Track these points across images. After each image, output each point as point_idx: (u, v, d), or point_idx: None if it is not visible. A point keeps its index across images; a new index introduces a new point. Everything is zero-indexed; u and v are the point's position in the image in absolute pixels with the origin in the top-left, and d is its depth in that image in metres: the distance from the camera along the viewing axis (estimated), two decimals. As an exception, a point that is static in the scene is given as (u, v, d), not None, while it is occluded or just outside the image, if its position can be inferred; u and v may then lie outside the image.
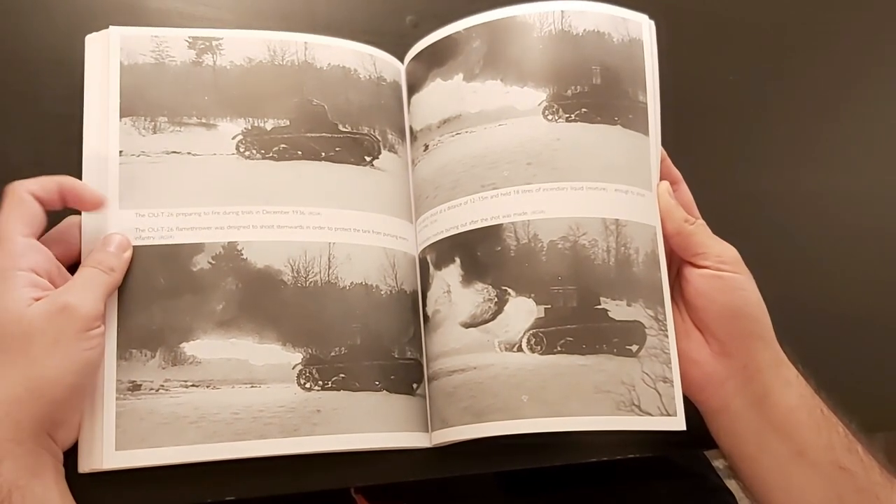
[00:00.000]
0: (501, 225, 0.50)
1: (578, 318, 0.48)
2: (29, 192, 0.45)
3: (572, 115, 0.50)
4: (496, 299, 0.49)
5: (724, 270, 0.48)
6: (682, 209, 0.50)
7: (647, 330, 0.49)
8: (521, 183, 0.50)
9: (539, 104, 0.51)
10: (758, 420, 0.48)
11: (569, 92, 0.51)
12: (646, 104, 0.52)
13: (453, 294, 0.51)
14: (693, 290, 0.49)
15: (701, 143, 0.62)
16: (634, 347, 0.48)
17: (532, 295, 0.49)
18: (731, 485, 0.68)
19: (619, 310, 0.49)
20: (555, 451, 0.53)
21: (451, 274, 0.51)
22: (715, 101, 0.64)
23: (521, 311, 0.49)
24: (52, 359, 0.42)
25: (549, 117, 0.50)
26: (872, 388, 0.60)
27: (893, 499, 0.45)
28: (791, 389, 0.48)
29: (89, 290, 0.44)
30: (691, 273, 0.50)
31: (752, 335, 0.48)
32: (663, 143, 0.52)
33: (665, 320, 0.49)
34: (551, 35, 0.51)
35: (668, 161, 0.52)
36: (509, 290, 0.49)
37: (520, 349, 0.48)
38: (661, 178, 0.51)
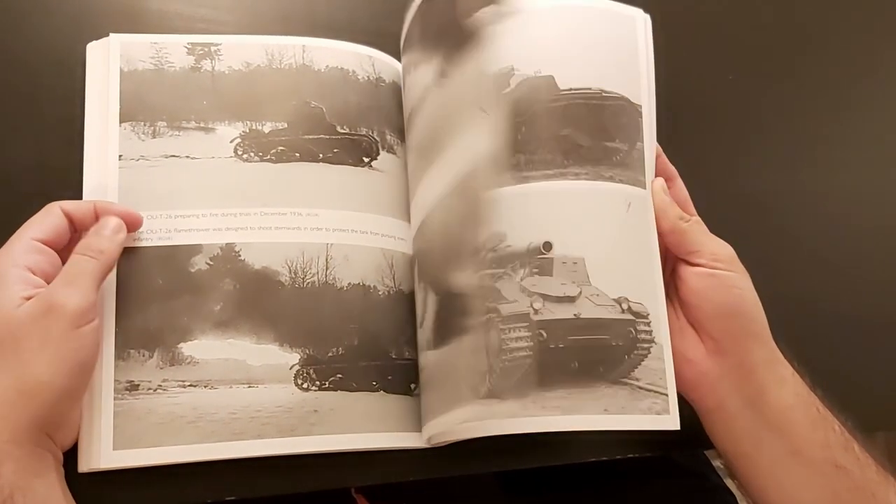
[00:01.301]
0: None
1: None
2: (60, 208, 0.46)
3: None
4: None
5: (719, 269, 0.48)
6: (676, 206, 0.49)
7: None
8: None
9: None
10: (753, 419, 0.47)
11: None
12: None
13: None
14: (687, 289, 0.49)
15: (698, 142, 0.62)
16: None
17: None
18: (731, 484, 0.67)
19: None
20: (554, 451, 0.53)
21: None
22: (713, 100, 0.64)
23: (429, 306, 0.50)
24: (41, 361, 0.41)
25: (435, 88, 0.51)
26: (872, 387, 0.60)
27: (890, 496, 0.45)
28: (786, 387, 0.48)
29: (76, 283, 0.43)
30: (686, 271, 0.49)
31: (747, 333, 0.48)
32: (660, 142, 0.52)
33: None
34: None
35: (664, 157, 0.52)
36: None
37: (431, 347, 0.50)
38: (657, 175, 0.50)
